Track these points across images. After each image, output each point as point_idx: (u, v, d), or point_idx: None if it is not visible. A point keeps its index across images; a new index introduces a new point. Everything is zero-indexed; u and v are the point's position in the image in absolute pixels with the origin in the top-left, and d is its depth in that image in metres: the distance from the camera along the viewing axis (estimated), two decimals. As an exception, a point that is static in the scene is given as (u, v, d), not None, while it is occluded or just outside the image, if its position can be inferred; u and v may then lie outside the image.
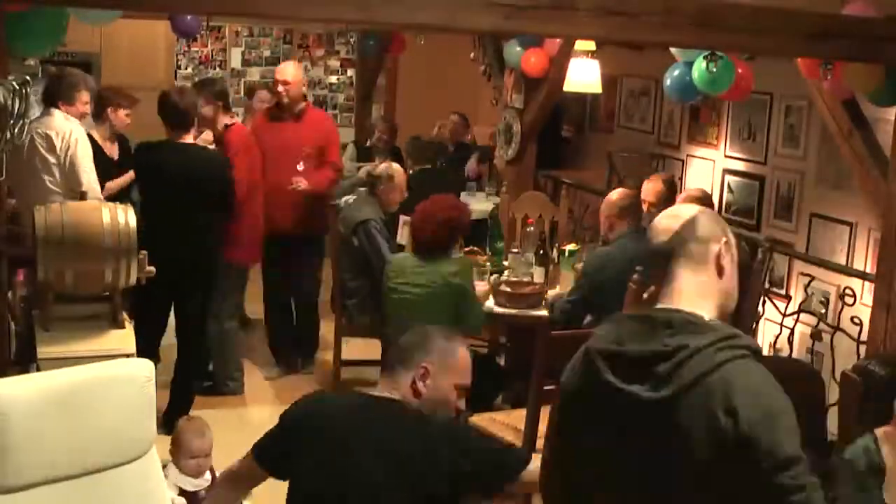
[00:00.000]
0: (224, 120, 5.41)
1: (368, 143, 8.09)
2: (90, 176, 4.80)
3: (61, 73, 5.16)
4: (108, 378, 2.80)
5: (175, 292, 5.02)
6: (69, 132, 4.82)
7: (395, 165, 5.91)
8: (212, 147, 5.33)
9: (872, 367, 3.52)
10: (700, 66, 4.29)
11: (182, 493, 3.48)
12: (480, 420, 4.28)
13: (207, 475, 3.54)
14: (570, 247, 5.39)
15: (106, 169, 5.28)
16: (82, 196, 4.26)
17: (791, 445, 1.76)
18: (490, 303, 5.00)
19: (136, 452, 2.82)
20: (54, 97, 4.92)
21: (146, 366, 2.88)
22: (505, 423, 4.18)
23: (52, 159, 4.76)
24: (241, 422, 5.19)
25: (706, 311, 1.89)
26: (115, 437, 2.76)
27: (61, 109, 4.92)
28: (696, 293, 1.92)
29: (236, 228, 5.29)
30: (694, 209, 2.01)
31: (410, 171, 6.87)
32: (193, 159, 5.02)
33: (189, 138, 5.00)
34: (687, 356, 1.80)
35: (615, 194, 4.86)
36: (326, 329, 6.20)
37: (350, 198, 6.48)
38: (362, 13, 3.16)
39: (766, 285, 5.57)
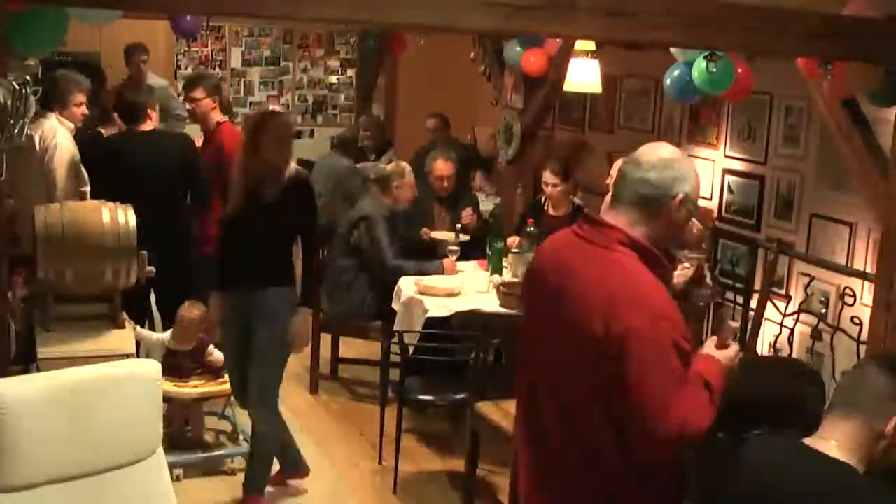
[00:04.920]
0: (216, 117, 5.43)
1: (360, 145, 8.11)
2: (69, 185, 4.81)
3: (54, 77, 5.15)
4: (115, 378, 2.80)
5: (155, 289, 5.03)
6: (52, 136, 4.85)
7: (403, 163, 5.98)
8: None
9: (873, 367, 3.50)
10: (700, 66, 4.29)
11: (168, 351, 4.64)
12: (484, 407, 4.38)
13: (193, 344, 4.66)
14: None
15: None
16: (82, 196, 4.26)
17: None
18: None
19: (143, 453, 2.82)
20: (50, 102, 4.94)
21: (154, 366, 2.89)
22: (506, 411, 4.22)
23: (33, 161, 4.79)
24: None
25: None
26: (121, 437, 2.76)
27: (57, 114, 4.96)
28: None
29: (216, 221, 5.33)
30: None
31: None
32: (153, 142, 5.20)
33: (147, 127, 5.22)
34: None
35: None
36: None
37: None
38: (362, 13, 3.15)
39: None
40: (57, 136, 4.86)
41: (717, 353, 2.48)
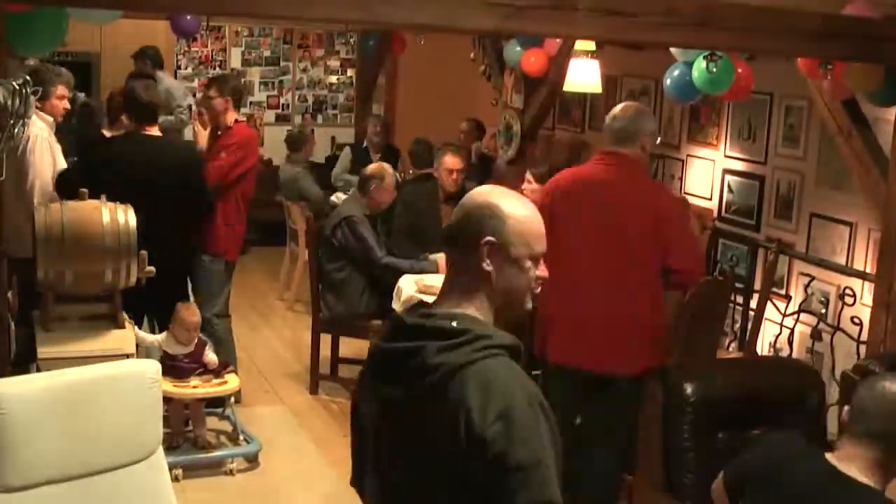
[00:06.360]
0: (232, 116, 5.47)
1: (365, 144, 8.11)
2: (41, 176, 4.70)
3: (34, 69, 5.01)
4: (114, 378, 2.80)
5: (154, 291, 4.99)
6: (29, 126, 4.77)
7: (386, 166, 6.04)
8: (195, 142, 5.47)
9: (872, 367, 3.51)
10: (700, 66, 4.29)
11: (165, 354, 4.62)
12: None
13: (192, 346, 4.69)
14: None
15: None
16: (81, 196, 4.24)
17: (522, 451, 1.71)
18: None
19: (143, 453, 2.82)
20: None
21: (153, 366, 2.88)
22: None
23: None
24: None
25: (470, 309, 1.87)
26: (121, 437, 2.76)
27: (37, 107, 4.87)
28: (462, 291, 1.90)
29: (225, 222, 5.33)
30: (503, 196, 1.90)
31: (404, 177, 7.00)
32: (161, 150, 5.02)
33: (155, 131, 5.02)
34: (434, 353, 1.79)
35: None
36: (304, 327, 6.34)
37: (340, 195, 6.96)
38: (362, 13, 3.16)
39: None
40: (35, 126, 4.73)
41: None
